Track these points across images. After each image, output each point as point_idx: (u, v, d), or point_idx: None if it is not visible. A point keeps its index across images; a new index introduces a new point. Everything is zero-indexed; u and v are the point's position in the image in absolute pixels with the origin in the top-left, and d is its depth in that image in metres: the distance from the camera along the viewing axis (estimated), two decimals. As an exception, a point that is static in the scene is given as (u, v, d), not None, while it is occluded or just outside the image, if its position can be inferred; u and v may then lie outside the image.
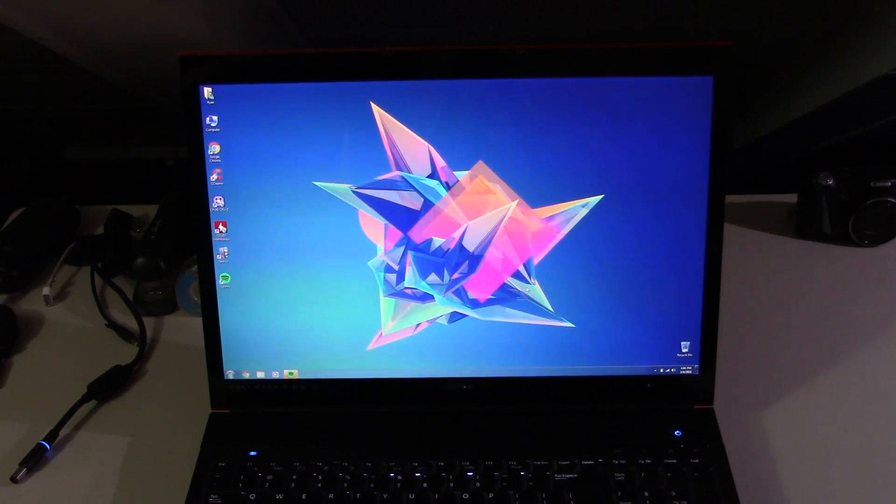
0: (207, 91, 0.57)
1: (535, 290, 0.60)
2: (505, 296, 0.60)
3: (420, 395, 0.62)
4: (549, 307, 0.60)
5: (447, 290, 0.60)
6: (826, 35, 0.93)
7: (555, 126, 0.57)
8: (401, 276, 0.60)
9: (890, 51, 0.83)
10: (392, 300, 0.61)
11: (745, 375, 0.67)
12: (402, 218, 0.59)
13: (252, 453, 0.60)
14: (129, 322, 0.76)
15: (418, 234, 0.59)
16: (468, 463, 0.58)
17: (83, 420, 0.67)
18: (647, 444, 0.59)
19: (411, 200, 0.59)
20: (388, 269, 0.60)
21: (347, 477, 0.58)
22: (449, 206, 0.59)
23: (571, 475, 0.58)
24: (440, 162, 0.58)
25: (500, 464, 0.58)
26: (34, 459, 0.62)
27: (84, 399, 0.67)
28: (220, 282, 0.60)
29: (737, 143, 1.21)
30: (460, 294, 0.60)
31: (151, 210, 0.84)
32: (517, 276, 0.60)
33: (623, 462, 0.58)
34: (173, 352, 0.74)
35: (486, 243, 0.59)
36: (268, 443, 0.61)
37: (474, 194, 0.58)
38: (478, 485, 0.57)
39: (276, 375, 0.63)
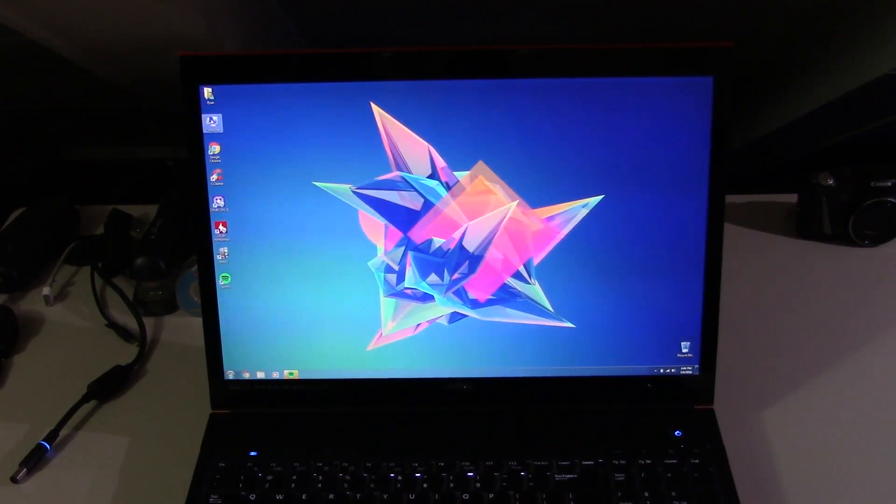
0: (207, 91, 0.57)
1: (535, 291, 0.60)
2: (505, 296, 0.60)
3: (420, 395, 0.62)
4: (549, 307, 0.60)
5: (447, 290, 0.60)
6: (826, 35, 0.93)
7: (555, 126, 0.57)
8: (401, 276, 0.60)
9: (890, 51, 0.83)
10: (392, 300, 0.61)
11: (745, 375, 0.67)
12: (402, 218, 0.59)
13: (252, 453, 0.60)
14: (129, 322, 0.76)
15: (418, 234, 0.59)
16: (468, 463, 0.58)
17: (83, 420, 0.67)
18: (647, 444, 0.59)
19: (411, 201, 0.59)
20: (389, 269, 0.60)
21: (347, 477, 0.58)
22: (449, 206, 0.59)
23: (571, 475, 0.58)
24: (440, 162, 0.58)
25: (500, 464, 0.58)
26: (34, 459, 0.62)
27: (84, 399, 0.67)
28: (220, 282, 0.60)
29: (737, 143, 1.21)
30: (460, 294, 0.60)
31: (151, 210, 0.84)
32: (517, 276, 0.60)
33: (623, 462, 0.58)
34: (173, 352, 0.74)
35: (486, 243, 0.59)
36: (268, 443, 0.61)
37: (474, 194, 0.58)
38: (478, 485, 0.57)
39: (276, 375, 0.63)
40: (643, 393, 0.62)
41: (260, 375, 0.63)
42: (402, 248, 0.60)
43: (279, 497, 0.57)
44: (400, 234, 0.59)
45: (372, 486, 0.57)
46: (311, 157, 0.58)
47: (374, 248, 0.60)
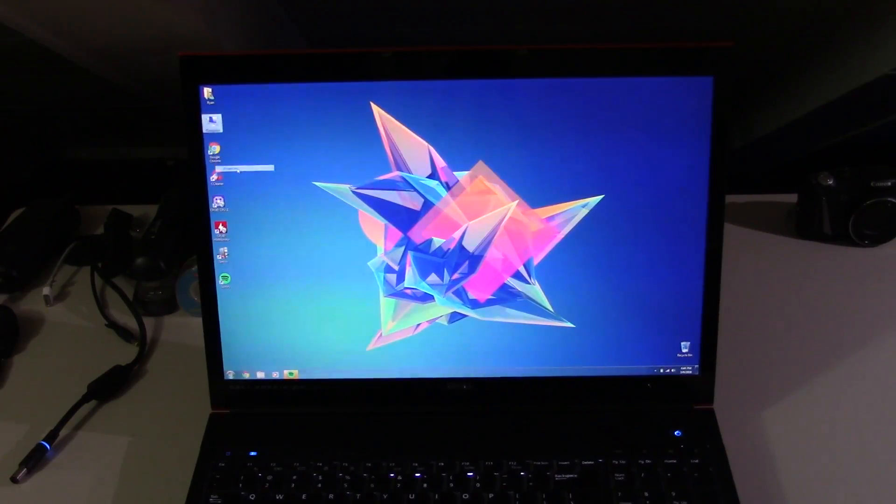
0: (207, 91, 0.57)
1: (535, 291, 0.60)
2: (505, 296, 0.60)
3: (420, 395, 0.62)
4: (549, 307, 0.60)
5: (447, 290, 0.60)
6: (826, 35, 0.93)
7: (555, 126, 0.57)
8: (401, 276, 0.60)
9: (890, 51, 0.83)
10: (392, 300, 0.61)
11: (745, 375, 0.67)
12: (402, 218, 0.59)
13: (252, 453, 0.60)
14: (129, 322, 0.76)
15: (418, 234, 0.59)
16: (468, 463, 0.58)
17: (83, 420, 0.67)
18: (647, 444, 0.59)
19: (411, 201, 0.59)
20: (388, 269, 0.60)
21: (347, 477, 0.58)
22: (449, 206, 0.59)
23: (571, 475, 0.58)
24: (440, 162, 0.58)
25: (500, 464, 0.58)
26: (34, 459, 0.62)
27: (84, 399, 0.67)
28: (220, 282, 0.60)
29: (737, 143, 1.21)
30: (460, 294, 0.60)
31: (151, 210, 0.84)
32: (517, 276, 0.60)
33: (623, 462, 0.58)
34: (173, 352, 0.74)
35: (486, 243, 0.59)
36: (268, 443, 0.61)
37: (474, 194, 0.58)
38: (478, 485, 0.57)
39: (276, 375, 0.63)
40: (643, 393, 0.62)
41: (260, 375, 0.63)
42: (402, 248, 0.60)
43: (279, 497, 0.57)
44: (400, 234, 0.59)
45: (372, 486, 0.57)
46: (311, 157, 0.58)
47: (374, 248, 0.60)
